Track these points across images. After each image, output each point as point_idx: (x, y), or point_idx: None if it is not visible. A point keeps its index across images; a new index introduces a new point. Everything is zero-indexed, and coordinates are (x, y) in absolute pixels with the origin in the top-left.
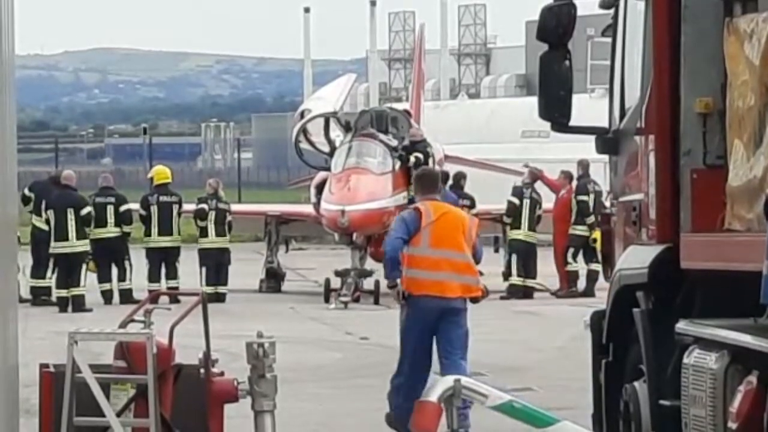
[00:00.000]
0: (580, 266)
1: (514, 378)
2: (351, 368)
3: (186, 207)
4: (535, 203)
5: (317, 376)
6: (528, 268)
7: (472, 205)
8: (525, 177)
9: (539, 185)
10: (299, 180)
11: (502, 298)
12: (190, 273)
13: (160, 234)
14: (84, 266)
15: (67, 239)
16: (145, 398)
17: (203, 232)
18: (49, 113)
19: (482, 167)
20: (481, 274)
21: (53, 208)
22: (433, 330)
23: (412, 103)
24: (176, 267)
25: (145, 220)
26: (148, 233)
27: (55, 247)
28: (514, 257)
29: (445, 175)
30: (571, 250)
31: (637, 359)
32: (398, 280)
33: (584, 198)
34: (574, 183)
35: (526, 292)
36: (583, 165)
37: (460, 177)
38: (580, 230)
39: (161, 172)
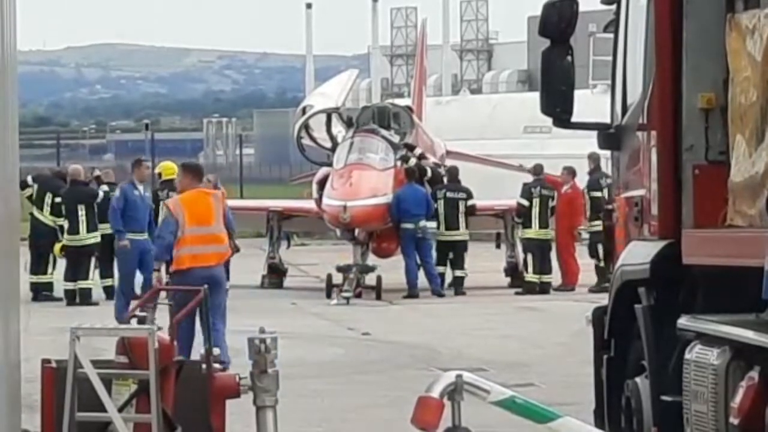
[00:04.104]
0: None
1: (516, 374)
2: (353, 364)
3: None
4: (546, 198)
5: (319, 372)
6: (542, 265)
7: (469, 197)
8: (532, 173)
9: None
10: (301, 176)
11: (516, 293)
12: None
13: None
14: (93, 260)
15: (78, 233)
16: (146, 394)
17: None
18: (51, 109)
19: (484, 163)
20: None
21: (65, 203)
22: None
23: (414, 98)
24: None
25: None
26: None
27: (68, 241)
28: (529, 256)
29: (422, 172)
30: (600, 247)
31: (639, 355)
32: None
33: (597, 194)
34: (579, 179)
35: (542, 288)
36: (594, 159)
37: (455, 171)
38: (597, 226)
39: (169, 168)
